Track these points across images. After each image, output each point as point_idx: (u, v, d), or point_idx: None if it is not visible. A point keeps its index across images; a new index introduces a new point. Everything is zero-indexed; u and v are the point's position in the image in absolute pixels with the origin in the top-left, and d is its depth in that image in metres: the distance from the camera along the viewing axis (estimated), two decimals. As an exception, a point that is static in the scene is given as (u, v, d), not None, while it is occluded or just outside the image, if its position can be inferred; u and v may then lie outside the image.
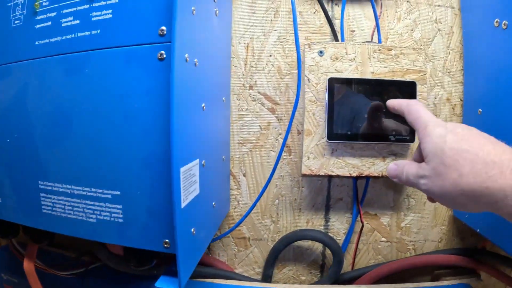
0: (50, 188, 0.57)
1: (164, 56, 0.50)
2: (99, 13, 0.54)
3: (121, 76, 0.52)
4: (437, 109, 0.76)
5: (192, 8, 0.53)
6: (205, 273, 0.69)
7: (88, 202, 0.56)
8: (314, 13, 0.74)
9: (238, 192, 0.75)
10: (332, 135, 0.66)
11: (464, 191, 0.38)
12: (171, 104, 0.47)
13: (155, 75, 0.51)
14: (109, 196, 0.54)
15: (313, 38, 0.74)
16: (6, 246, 0.80)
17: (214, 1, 0.64)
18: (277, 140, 0.74)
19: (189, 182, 0.54)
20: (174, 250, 0.48)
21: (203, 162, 0.58)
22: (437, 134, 0.41)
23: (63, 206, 0.58)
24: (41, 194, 0.57)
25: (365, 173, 0.69)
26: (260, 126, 0.74)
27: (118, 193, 0.53)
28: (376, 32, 0.72)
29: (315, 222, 0.76)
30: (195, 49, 0.53)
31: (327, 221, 0.76)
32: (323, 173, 0.68)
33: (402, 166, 0.46)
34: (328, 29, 0.72)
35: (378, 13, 0.74)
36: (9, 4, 0.59)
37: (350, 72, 0.68)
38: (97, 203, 0.55)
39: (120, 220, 0.55)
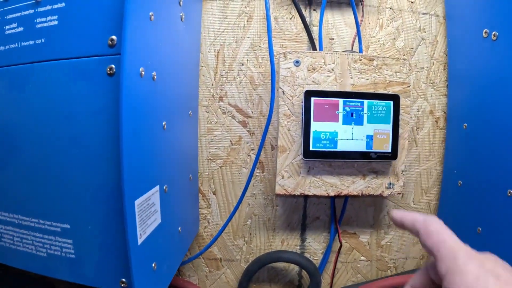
0: (-5, 217, 0.49)
1: (114, 70, 0.42)
2: (44, 19, 0.46)
3: (67, 93, 0.45)
4: (420, 122, 0.71)
5: (150, 14, 0.45)
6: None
7: (37, 234, 0.49)
8: (291, 19, 0.67)
9: (208, 211, 0.69)
10: (308, 153, 0.60)
11: None
12: (121, 129, 0.40)
13: (104, 92, 0.43)
14: (59, 229, 0.47)
15: (289, 46, 0.67)
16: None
17: (180, 5, 0.56)
18: (249, 156, 0.68)
19: (147, 214, 0.47)
20: (133, 291, 0.42)
21: (164, 187, 0.52)
22: (474, 275, 0.29)
23: (11, 237, 0.51)
24: (-13, 223, 0.50)
25: (344, 192, 0.64)
26: (231, 141, 0.67)
27: (68, 226, 0.47)
28: (357, 40, 0.66)
29: (291, 242, 0.71)
30: (154, 61, 0.46)
31: (303, 240, 0.71)
32: (298, 193, 0.63)
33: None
34: (305, 37, 0.66)
35: (359, 20, 0.68)
36: None
37: (328, 84, 0.62)
38: (46, 236, 0.48)
39: (72, 256, 0.48)
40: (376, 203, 0.71)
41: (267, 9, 0.59)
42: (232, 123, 0.67)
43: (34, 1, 0.45)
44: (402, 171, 0.66)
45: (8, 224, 0.50)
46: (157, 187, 0.50)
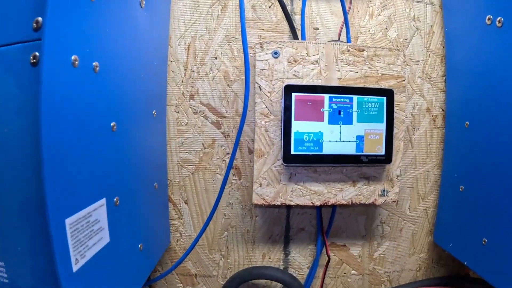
0: None
1: (38, 59, 0.32)
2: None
3: (-14, 88, 0.35)
4: (415, 120, 0.61)
5: (88, -7, 0.35)
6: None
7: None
8: (270, 7, 0.57)
9: (180, 222, 0.59)
10: (289, 157, 0.50)
11: None
12: (40, 130, 0.30)
13: (28, 86, 0.33)
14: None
15: (268, 37, 0.57)
16: None
17: (138, -12, 0.46)
18: (223, 160, 0.58)
19: (87, 234, 0.37)
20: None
21: (115, 200, 0.42)
22: None
23: None
24: None
25: (331, 201, 0.54)
26: (203, 144, 0.57)
27: (-4, 246, 0.36)
28: (344, 30, 0.56)
29: (273, 256, 0.60)
30: (95, 50, 0.36)
31: (286, 254, 0.60)
32: (279, 203, 0.52)
33: None
34: (286, 27, 0.56)
35: (347, 8, 0.58)
36: None
37: (312, 77, 0.52)
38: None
39: (5, 281, 0.38)
40: (368, 211, 0.61)
41: (240, -7, 0.49)
42: (205, 124, 0.57)
43: None
44: (397, 176, 0.56)
45: None
46: (103, 201, 0.39)
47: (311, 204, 0.54)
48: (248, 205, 0.59)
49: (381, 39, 0.60)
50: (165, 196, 0.57)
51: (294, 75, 0.52)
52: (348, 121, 0.53)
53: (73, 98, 0.34)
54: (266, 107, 0.52)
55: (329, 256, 0.60)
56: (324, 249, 0.60)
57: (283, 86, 0.51)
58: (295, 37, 0.56)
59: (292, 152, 0.51)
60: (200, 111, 0.58)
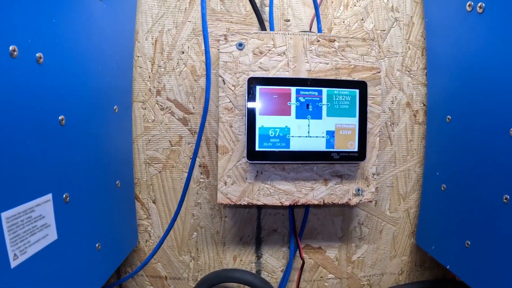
0: None
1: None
2: None
3: None
4: (394, 116, 0.60)
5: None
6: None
7: None
8: (239, -2, 0.57)
9: (149, 222, 0.58)
10: (253, 154, 0.50)
11: None
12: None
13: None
14: None
15: (236, 30, 0.57)
16: None
17: (95, -20, 0.46)
18: (191, 158, 0.57)
19: (29, 229, 0.37)
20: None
21: (64, 196, 0.41)
22: None
23: None
24: None
25: (301, 201, 0.53)
26: (170, 142, 0.57)
27: None
28: (315, 21, 0.55)
29: (244, 259, 0.60)
30: (39, 41, 0.37)
31: (259, 257, 0.59)
32: (245, 202, 0.52)
33: None
34: (256, 19, 0.56)
35: (319, -2, 0.57)
36: None
37: (279, 70, 0.52)
38: None
39: None
40: (344, 212, 0.60)
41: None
42: (172, 120, 0.57)
43: None
44: (373, 174, 0.54)
45: None
46: (48, 196, 0.39)
47: (280, 204, 0.53)
48: (217, 205, 0.59)
49: (357, 31, 0.59)
50: (131, 195, 0.57)
51: (259, 67, 0.52)
52: (317, 115, 0.52)
53: (11, 88, 0.34)
54: (230, 101, 0.52)
55: (303, 259, 0.59)
56: (298, 252, 0.59)
57: (246, 79, 0.50)
58: (263, 29, 0.55)
59: (257, 148, 0.50)
60: (167, 107, 0.57)
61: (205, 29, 0.49)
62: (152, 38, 0.57)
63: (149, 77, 0.57)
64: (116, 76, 0.53)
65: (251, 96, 0.50)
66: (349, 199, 0.55)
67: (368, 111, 0.54)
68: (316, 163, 0.53)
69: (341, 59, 0.53)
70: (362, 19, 0.60)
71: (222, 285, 0.60)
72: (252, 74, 0.51)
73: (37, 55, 0.37)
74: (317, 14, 0.56)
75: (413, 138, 0.62)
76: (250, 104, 0.50)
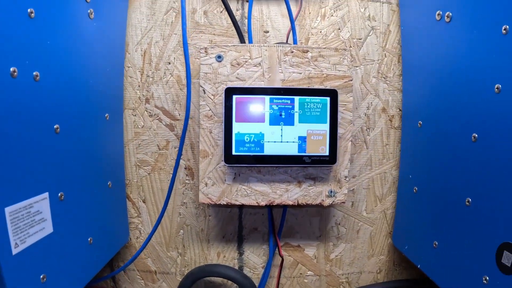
0: None
1: (-19, 71, 0.41)
2: None
3: None
4: (370, 121, 0.66)
5: (29, 11, 0.44)
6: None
7: None
8: (221, 12, 0.64)
9: (139, 220, 0.67)
10: (230, 158, 0.57)
11: None
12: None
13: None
14: None
15: (219, 41, 0.65)
16: None
17: (87, 1, 0.55)
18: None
19: (28, 222, 0.45)
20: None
21: (59, 195, 0.50)
22: None
23: None
24: None
25: (276, 202, 0.60)
26: (158, 146, 0.65)
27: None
28: (292, 32, 0.62)
29: (227, 255, 0.67)
30: (36, 61, 0.45)
31: (241, 254, 0.67)
32: (224, 202, 0.59)
33: None
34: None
35: (297, 10, 0.64)
36: None
37: (254, 80, 0.59)
38: None
39: None
40: (321, 213, 0.67)
41: (182, 1, 0.57)
42: (159, 126, 0.65)
43: None
44: (346, 177, 0.61)
45: None
46: (45, 195, 0.48)
47: (256, 204, 0.60)
48: (202, 204, 0.66)
49: (334, 40, 0.66)
50: (122, 195, 0.65)
51: (237, 77, 0.59)
52: (289, 122, 0.59)
53: (12, 103, 0.42)
54: (210, 109, 0.59)
55: (282, 257, 0.65)
56: (277, 250, 0.66)
57: (224, 89, 0.57)
58: (242, 41, 0.63)
59: (234, 152, 0.58)
60: (155, 114, 0.66)
61: (185, 43, 0.57)
62: (141, 50, 0.66)
63: (139, 86, 0.66)
64: (107, 86, 0.61)
65: (228, 105, 0.57)
66: (323, 200, 0.61)
67: (339, 117, 0.60)
68: (290, 166, 0.60)
69: (313, 68, 0.60)
70: (339, 29, 0.66)
71: (207, 279, 0.68)
72: (230, 84, 0.59)
73: (34, 73, 0.46)
74: (292, 27, 0.62)
75: (389, 142, 0.67)
76: (227, 112, 0.57)
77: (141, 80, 0.66)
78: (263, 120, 0.58)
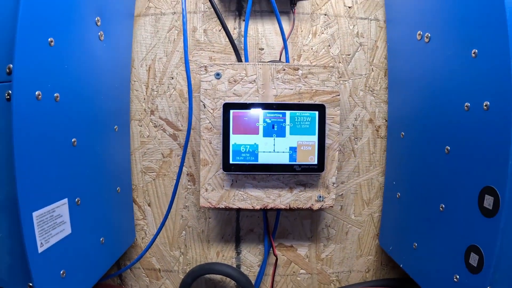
0: None
1: (11, 95, 0.50)
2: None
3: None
4: (358, 131, 0.74)
5: (49, 40, 0.53)
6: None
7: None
8: (220, 30, 0.73)
9: (145, 222, 0.76)
10: (228, 166, 0.66)
11: None
12: (13, 150, 0.48)
13: (4, 115, 0.51)
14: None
15: (217, 58, 0.73)
16: None
17: (97, 25, 0.64)
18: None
19: (51, 225, 0.55)
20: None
21: (76, 200, 0.59)
22: None
23: None
24: None
25: (270, 206, 0.69)
26: (163, 154, 0.74)
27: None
28: (284, 50, 0.71)
29: (226, 254, 0.76)
30: (56, 84, 0.54)
31: (238, 253, 0.76)
32: (223, 206, 0.68)
33: None
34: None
35: (289, 29, 0.73)
36: None
37: (250, 95, 0.67)
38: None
39: None
40: (312, 216, 0.75)
41: (184, 24, 0.65)
42: (164, 136, 0.74)
43: None
44: (333, 183, 0.70)
45: None
46: (65, 200, 0.57)
47: (252, 208, 0.69)
48: (202, 208, 0.76)
49: (324, 56, 0.74)
50: (128, 199, 0.75)
51: (234, 93, 0.68)
52: (281, 134, 0.67)
53: (38, 122, 0.52)
54: (210, 122, 0.68)
55: (276, 256, 0.75)
56: (271, 249, 0.75)
57: (222, 104, 0.66)
58: (238, 58, 0.71)
59: (231, 161, 0.67)
60: (159, 125, 0.75)
61: (187, 62, 0.65)
62: (146, 65, 0.75)
63: (144, 99, 0.75)
64: (115, 100, 0.70)
65: (226, 118, 0.66)
66: (312, 205, 0.70)
67: (327, 129, 0.69)
68: (282, 174, 0.69)
69: (304, 84, 0.68)
70: (329, 45, 0.75)
71: (207, 276, 0.78)
72: (227, 100, 0.68)
73: (55, 95, 0.55)
74: (285, 45, 0.71)
75: (376, 151, 0.76)
76: (225, 125, 0.66)
77: (146, 93, 0.75)
78: (257, 132, 0.67)
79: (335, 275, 0.78)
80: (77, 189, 0.60)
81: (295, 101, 0.68)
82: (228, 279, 0.78)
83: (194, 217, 0.76)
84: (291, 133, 0.67)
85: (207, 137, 0.68)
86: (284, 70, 0.68)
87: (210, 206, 0.69)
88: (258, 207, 0.69)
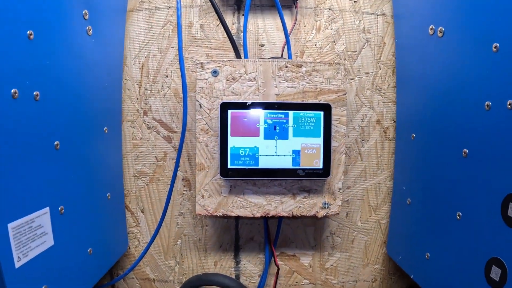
0: None
1: (-16, 94, 0.44)
2: None
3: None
4: (365, 133, 0.68)
5: (28, 33, 0.47)
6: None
7: None
8: (218, 26, 0.67)
9: (138, 229, 0.70)
10: (226, 171, 0.59)
11: None
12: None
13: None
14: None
15: (215, 55, 0.67)
16: None
17: (85, 19, 0.57)
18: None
19: (30, 237, 0.48)
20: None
21: (60, 208, 0.53)
22: None
23: None
24: None
25: (272, 213, 0.62)
26: (156, 157, 0.68)
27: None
28: (286, 46, 0.64)
29: (224, 264, 0.70)
30: (35, 81, 0.47)
31: (237, 262, 0.69)
32: (221, 214, 0.62)
33: None
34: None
35: (292, 24, 0.66)
36: None
37: (249, 94, 0.61)
38: None
39: None
40: (316, 223, 0.69)
41: (178, 17, 0.59)
42: (157, 138, 0.68)
43: None
44: (339, 189, 0.63)
45: None
46: (46, 209, 0.51)
47: (252, 216, 0.62)
48: (199, 215, 0.69)
49: (328, 53, 0.68)
50: (120, 206, 0.68)
51: (232, 92, 0.61)
52: (283, 136, 0.61)
53: (14, 123, 0.45)
54: (206, 123, 0.62)
55: (277, 266, 0.68)
56: (273, 259, 0.68)
57: (219, 103, 0.60)
58: (237, 55, 0.65)
59: (229, 166, 0.60)
60: (152, 127, 0.68)
61: (181, 59, 0.59)
62: (139, 63, 0.68)
63: (137, 98, 0.68)
64: (106, 99, 0.64)
65: (224, 119, 0.60)
66: (317, 212, 0.63)
67: (333, 131, 0.62)
68: (284, 179, 0.62)
69: (308, 83, 0.62)
70: (334, 42, 0.68)
71: (206, 286, 0.71)
72: (225, 99, 0.61)
73: (34, 93, 0.48)
74: (287, 41, 0.64)
75: (384, 154, 0.69)
76: (223, 126, 0.60)
77: (139, 92, 0.68)
78: (258, 134, 0.60)
79: (340, 285, 0.72)
80: (61, 196, 0.53)
81: (299, 101, 0.62)
82: (227, 290, 0.71)
83: (190, 225, 0.70)
84: (294, 135, 0.61)
85: (203, 140, 0.62)
86: (287, 67, 0.61)
87: (207, 214, 0.62)
88: (258, 215, 0.63)
